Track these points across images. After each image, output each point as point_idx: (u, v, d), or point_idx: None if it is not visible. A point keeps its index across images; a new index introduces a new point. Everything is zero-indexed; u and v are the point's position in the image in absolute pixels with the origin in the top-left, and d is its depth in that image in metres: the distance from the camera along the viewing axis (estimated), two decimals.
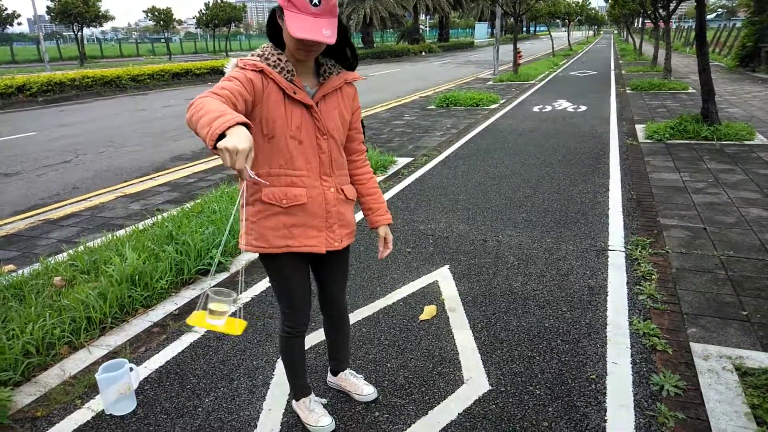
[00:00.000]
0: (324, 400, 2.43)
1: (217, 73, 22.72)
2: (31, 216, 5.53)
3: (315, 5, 1.64)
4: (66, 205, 5.88)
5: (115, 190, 6.44)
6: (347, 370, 2.51)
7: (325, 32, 1.66)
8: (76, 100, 16.73)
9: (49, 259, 4.03)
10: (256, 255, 4.12)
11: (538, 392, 2.46)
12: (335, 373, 2.52)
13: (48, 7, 34.09)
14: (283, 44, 1.82)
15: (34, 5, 26.19)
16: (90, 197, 6.15)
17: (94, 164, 7.88)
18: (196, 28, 53.33)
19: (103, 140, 9.80)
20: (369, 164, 2.18)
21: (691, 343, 2.79)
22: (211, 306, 1.65)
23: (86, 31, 37.60)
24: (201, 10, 42.96)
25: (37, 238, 4.84)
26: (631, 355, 2.70)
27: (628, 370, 2.59)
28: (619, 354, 2.72)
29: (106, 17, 36.43)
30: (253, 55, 1.81)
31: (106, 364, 2.45)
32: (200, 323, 1.66)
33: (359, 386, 2.47)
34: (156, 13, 42.66)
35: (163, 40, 53.82)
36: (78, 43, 36.44)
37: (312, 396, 2.34)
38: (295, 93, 1.79)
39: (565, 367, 2.63)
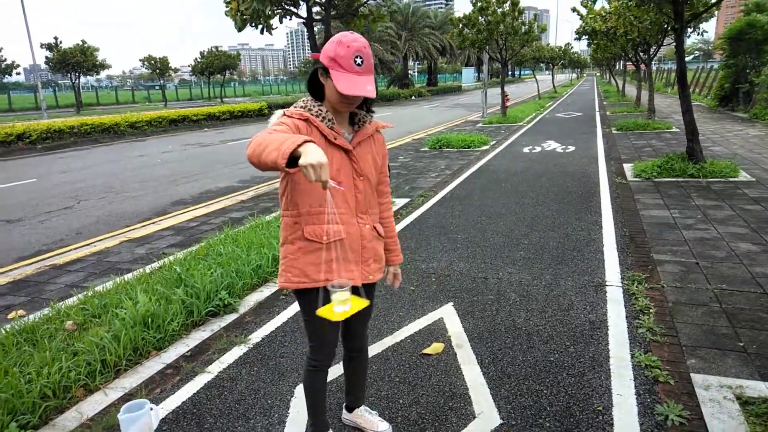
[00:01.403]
0: None
1: (213, 118, 23.14)
2: (37, 261, 5.60)
3: (359, 65, 1.86)
4: (71, 250, 5.96)
5: (119, 234, 6.53)
6: (362, 407, 2.59)
7: (368, 88, 1.88)
8: (74, 147, 16.95)
9: (59, 303, 4.09)
10: (265, 296, 4.24)
11: (548, 425, 2.54)
12: (351, 410, 2.59)
13: (47, 57, 34.82)
14: (321, 96, 2.02)
15: (33, 55, 26.76)
16: (94, 242, 6.24)
17: (96, 210, 7.98)
18: (191, 75, 54.43)
19: (103, 186, 9.94)
20: (391, 208, 2.35)
21: (691, 374, 2.89)
22: (335, 297, 1.85)
23: (82, 79, 38.26)
24: (196, 58, 43.96)
25: (45, 284, 4.90)
26: (635, 387, 2.80)
27: (633, 401, 2.69)
28: (624, 386, 2.81)
29: (103, 66, 37.20)
30: (296, 107, 2.00)
31: (128, 404, 2.50)
32: (330, 315, 1.85)
33: (374, 423, 2.53)
34: (152, 62, 43.59)
35: (158, 87, 54.79)
36: (75, 91, 37.05)
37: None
38: (335, 138, 1.97)
39: (572, 400, 2.72)
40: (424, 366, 3.12)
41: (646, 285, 4.09)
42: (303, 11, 8.86)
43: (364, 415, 2.57)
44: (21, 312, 4.15)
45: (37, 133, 16.33)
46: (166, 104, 41.87)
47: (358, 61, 1.86)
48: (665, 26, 13.50)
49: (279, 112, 1.97)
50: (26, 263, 5.57)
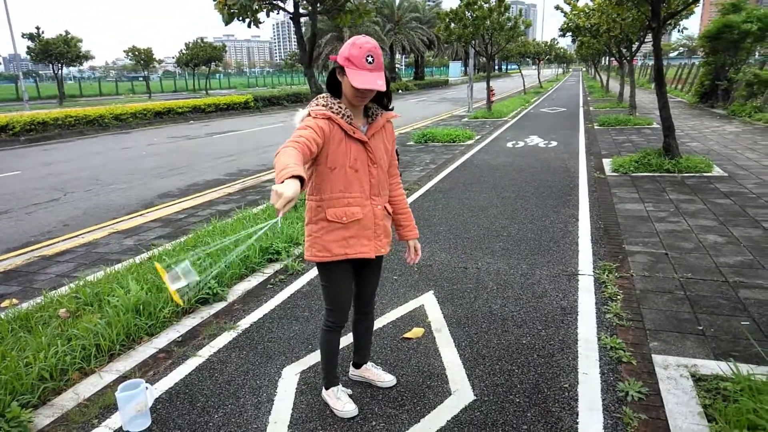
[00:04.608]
0: (349, 391, 2.81)
1: (199, 111, 23.08)
2: (26, 252, 5.69)
3: (370, 63, 2.16)
4: (60, 241, 6.04)
5: (107, 226, 6.62)
6: (369, 363, 2.95)
7: (379, 82, 2.17)
8: (58, 139, 16.85)
9: (52, 292, 4.21)
10: (252, 285, 4.40)
11: (517, 400, 2.74)
12: (358, 366, 2.93)
13: (28, 47, 34.31)
14: (339, 94, 2.30)
15: (14, 45, 26.41)
16: (82, 234, 6.33)
17: (83, 202, 8.04)
18: (175, 66, 53.95)
19: (89, 178, 9.97)
20: (402, 187, 2.66)
21: (652, 355, 3.11)
22: (179, 270, 2.07)
23: (64, 69, 37.73)
24: (181, 50, 43.61)
25: (35, 274, 5.00)
26: (600, 367, 3.01)
27: (597, 379, 2.89)
28: (589, 366, 3.02)
29: (87, 57, 36.75)
30: (317, 105, 2.26)
31: (124, 383, 2.66)
32: (162, 274, 2.10)
33: (381, 375, 2.92)
34: (137, 53, 43.14)
35: (141, 79, 54.20)
36: (58, 82, 36.57)
37: (340, 386, 2.75)
38: (354, 133, 2.27)
39: (541, 378, 2.92)
40: (405, 349, 3.30)
41: (616, 274, 4.31)
42: (290, 6, 8.91)
43: (371, 369, 2.93)
44: (14, 301, 4.26)
45: (21, 125, 16.20)
46: (150, 96, 41.50)
47: (369, 59, 2.15)
48: (646, 23, 13.79)
49: (303, 112, 2.24)
50: (15, 254, 5.65)
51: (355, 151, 2.30)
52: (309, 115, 2.23)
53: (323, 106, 2.26)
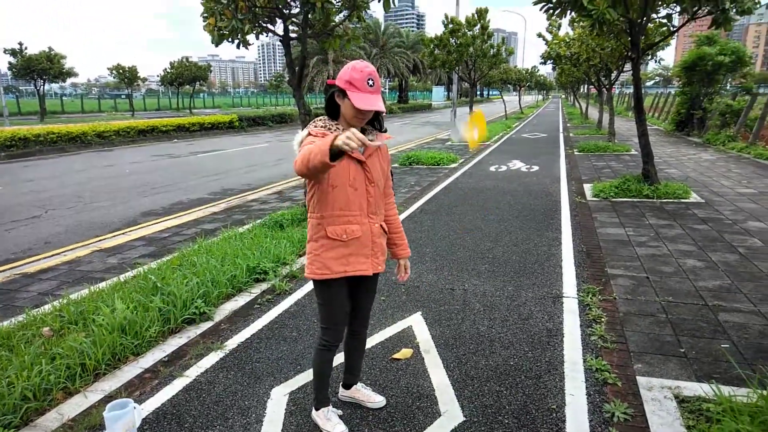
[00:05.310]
0: (339, 412, 2.81)
1: (183, 130, 23.00)
2: (6, 270, 5.59)
3: (371, 86, 2.26)
4: (41, 259, 5.95)
5: (89, 244, 6.54)
6: (359, 383, 2.95)
7: (379, 104, 2.28)
8: (39, 156, 16.64)
9: (34, 310, 4.14)
10: (239, 305, 4.38)
11: (506, 421, 2.77)
12: (348, 387, 2.93)
13: (10, 62, 33.98)
14: (336, 116, 2.38)
15: None
16: (64, 251, 6.24)
17: (65, 219, 7.94)
18: (159, 85, 53.84)
19: (71, 195, 9.85)
20: (395, 207, 2.72)
21: (637, 377, 3.17)
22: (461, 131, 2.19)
23: (45, 86, 37.35)
24: (166, 69, 43.55)
25: (16, 291, 4.91)
26: (586, 388, 3.06)
27: (583, 400, 2.94)
28: (576, 387, 3.07)
29: (70, 74, 36.48)
30: (316, 126, 2.35)
31: (112, 403, 2.61)
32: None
33: (371, 396, 2.92)
34: (121, 71, 42.98)
35: (124, 96, 53.91)
36: (39, 98, 36.18)
37: (330, 407, 2.75)
38: (352, 152, 2.27)
39: (529, 399, 2.96)
40: (394, 370, 3.32)
41: (599, 297, 4.39)
42: (280, 29, 9.02)
43: (361, 390, 2.93)
44: None
45: (1, 141, 15.97)
46: (133, 114, 41.26)
47: (370, 82, 2.26)
48: (625, 53, 14.21)
49: (304, 132, 2.33)
50: None
51: (354, 170, 2.38)
52: (309, 134, 2.31)
53: (322, 127, 2.35)
